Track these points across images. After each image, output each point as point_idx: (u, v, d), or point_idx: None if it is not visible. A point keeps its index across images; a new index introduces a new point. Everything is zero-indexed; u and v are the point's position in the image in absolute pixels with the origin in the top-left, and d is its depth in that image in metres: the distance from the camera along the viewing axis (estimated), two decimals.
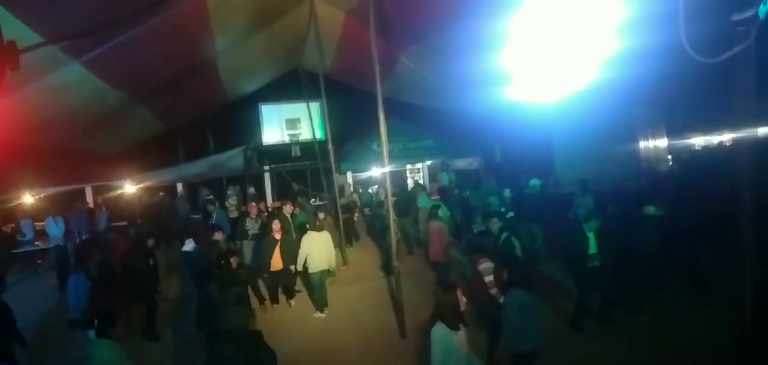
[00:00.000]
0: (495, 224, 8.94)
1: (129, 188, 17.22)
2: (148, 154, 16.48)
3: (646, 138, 18.06)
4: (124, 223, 13.92)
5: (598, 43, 8.82)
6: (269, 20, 13.14)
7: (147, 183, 17.39)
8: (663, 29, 5.89)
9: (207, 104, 17.27)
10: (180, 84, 13.08)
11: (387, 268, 11.75)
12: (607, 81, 10.50)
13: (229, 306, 6.59)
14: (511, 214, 10.67)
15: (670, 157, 18.20)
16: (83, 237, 13.08)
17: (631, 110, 16.06)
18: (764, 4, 4.15)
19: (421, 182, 20.06)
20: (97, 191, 17.50)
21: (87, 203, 16.97)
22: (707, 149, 18.99)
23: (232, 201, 15.45)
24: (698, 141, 19.77)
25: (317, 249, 10.01)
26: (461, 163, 19.55)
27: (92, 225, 14.17)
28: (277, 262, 10.23)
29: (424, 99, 17.89)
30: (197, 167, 17.91)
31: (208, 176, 17.81)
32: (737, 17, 4.33)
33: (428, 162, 20.36)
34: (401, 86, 15.71)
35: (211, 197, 15.89)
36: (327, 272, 10.29)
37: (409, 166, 20.85)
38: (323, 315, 9.99)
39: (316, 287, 10.09)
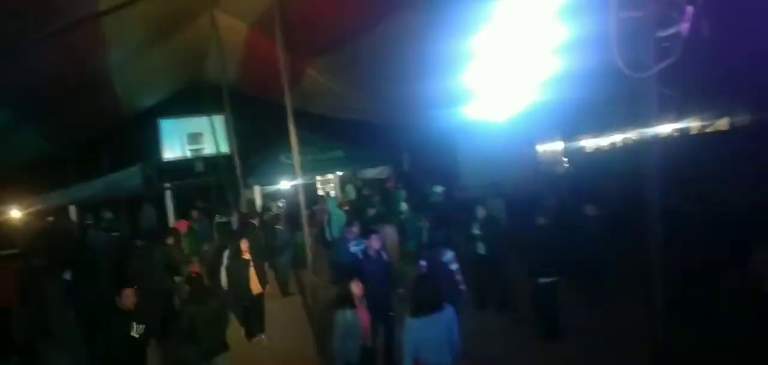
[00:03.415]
0: None
1: (15, 213, 15.87)
2: (37, 176, 15.23)
3: (543, 142, 19.10)
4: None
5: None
6: (168, 32, 12.59)
7: (35, 208, 16.07)
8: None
9: (101, 121, 16.23)
10: (71, 101, 12.23)
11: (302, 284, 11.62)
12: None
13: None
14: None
15: (565, 159, 19.32)
16: None
17: (529, 115, 16.88)
18: (685, 22, 4.48)
19: (331, 193, 20.02)
20: None
21: None
22: (599, 151, 20.29)
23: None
24: (589, 144, 21.09)
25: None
26: (371, 172, 19.70)
27: None
28: (255, 286, 9.62)
29: (333, 110, 17.84)
30: (92, 188, 16.80)
31: (104, 198, 16.76)
32: (662, 34, 4.63)
33: (339, 173, 20.32)
34: (309, 97, 15.57)
35: (91, 222, 15.10)
36: None
37: (319, 177, 20.70)
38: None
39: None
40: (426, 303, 5.24)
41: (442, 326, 5.19)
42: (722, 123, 14.80)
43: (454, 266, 7.60)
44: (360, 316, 5.93)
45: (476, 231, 9.44)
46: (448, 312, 5.27)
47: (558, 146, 19.33)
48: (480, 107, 9.86)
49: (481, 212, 9.60)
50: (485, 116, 10.35)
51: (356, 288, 5.96)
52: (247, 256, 9.41)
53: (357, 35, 10.78)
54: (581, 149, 20.45)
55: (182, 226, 11.73)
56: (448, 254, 7.66)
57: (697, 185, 11.00)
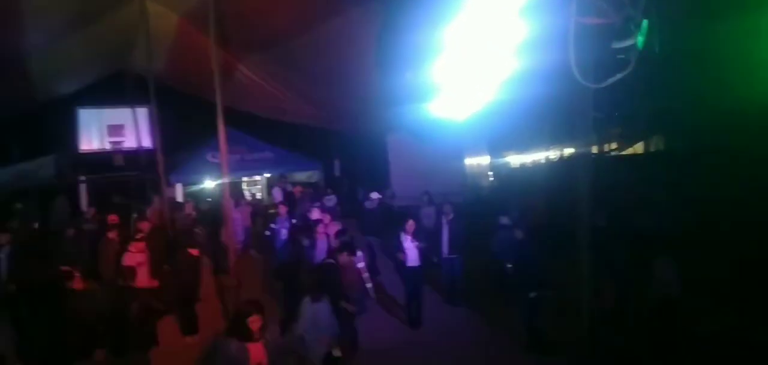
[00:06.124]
0: None
1: None
2: None
3: (471, 156, 19.57)
4: None
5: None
6: (93, 17, 11.94)
7: None
8: None
9: (11, 106, 15.14)
10: None
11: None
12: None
13: None
14: None
15: (491, 173, 19.91)
16: None
17: (458, 129, 17.23)
18: (641, 35, 4.41)
19: (259, 195, 19.64)
20: None
21: None
22: (523, 168, 21.07)
23: None
24: (514, 160, 21.88)
25: None
26: (301, 176, 19.45)
27: None
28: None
29: (264, 110, 17.51)
30: None
31: (12, 188, 15.63)
32: (618, 45, 4.54)
33: (267, 175, 19.91)
34: (239, 95, 15.21)
35: None
36: None
37: (246, 178, 20.18)
38: None
39: None
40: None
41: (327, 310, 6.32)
42: (638, 147, 15.79)
43: (361, 265, 8.29)
44: (250, 351, 4.55)
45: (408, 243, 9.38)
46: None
47: (485, 160, 19.88)
48: (415, 107, 9.97)
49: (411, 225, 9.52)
50: (440, 114, 10.40)
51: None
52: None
53: (293, 35, 10.66)
54: (506, 164, 21.23)
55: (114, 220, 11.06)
56: (358, 255, 8.21)
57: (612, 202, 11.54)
